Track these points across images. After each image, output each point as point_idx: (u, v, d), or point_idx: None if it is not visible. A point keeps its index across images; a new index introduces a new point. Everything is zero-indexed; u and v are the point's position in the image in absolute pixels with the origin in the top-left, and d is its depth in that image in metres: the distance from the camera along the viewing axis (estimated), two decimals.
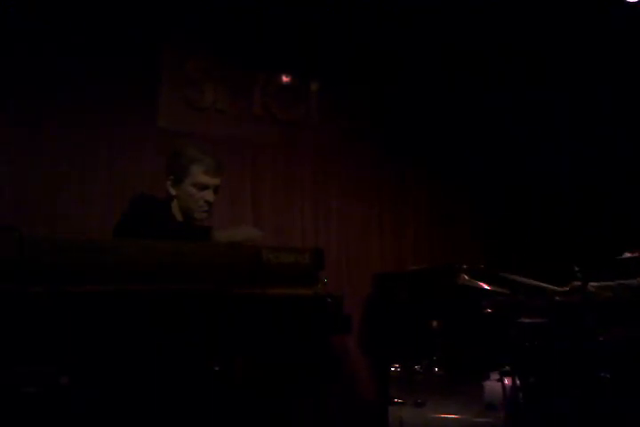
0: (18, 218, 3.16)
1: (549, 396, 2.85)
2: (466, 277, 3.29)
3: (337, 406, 3.77)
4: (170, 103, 3.76)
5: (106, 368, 1.56)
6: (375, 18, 4.20)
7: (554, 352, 2.93)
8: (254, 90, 4.07)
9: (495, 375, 2.96)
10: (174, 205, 2.49)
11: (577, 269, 2.91)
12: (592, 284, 2.88)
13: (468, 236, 4.76)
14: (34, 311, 1.40)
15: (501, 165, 4.72)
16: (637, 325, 2.90)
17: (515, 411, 2.84)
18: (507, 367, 2.94)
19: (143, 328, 1.56)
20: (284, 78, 4.20)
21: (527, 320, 3.00)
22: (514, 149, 4.69)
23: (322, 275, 1.88)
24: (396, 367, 3.15)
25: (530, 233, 4.57)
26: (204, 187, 2.44)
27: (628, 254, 2.98)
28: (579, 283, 2.85)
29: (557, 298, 2.96)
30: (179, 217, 2.49)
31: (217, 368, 1.77)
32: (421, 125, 4.64)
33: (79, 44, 3.46)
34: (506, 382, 2.89)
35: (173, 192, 2.46)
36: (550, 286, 3.04)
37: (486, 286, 3.21)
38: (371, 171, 4.46)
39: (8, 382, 1.42)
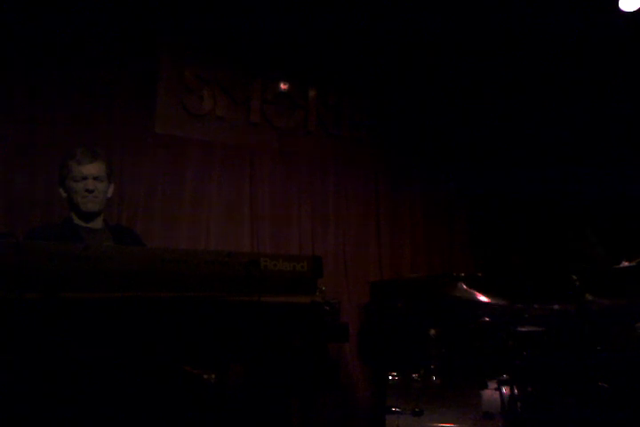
0: (15, 220, 3.15)
1: (547, 405, 2.84)
2: (464, 285, 3.29)
3: (334, 414, 3.75)
4: (167, 109, 3.76)
5: (102, 375, 1.55)
6: (374, 26, 4.21)
7: (552, 361, 2.92)
8: (252, 97, 4.07)
9: (493, 384, 2.95)
10: (70, 207, 2.51)
11: (575, 277, 2.91)
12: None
13: (466, 244, 4.76)
14: (30, 318, 1.39)
15: (499, 174, 4.72)
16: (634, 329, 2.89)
17: (512, 420, 2.83)
18: (504, 376, 2.93)
19: (139, 335, 1.55)
20: (282, 85, 4.21)
21: (525, 329, 2.99)
22: (511, 156, 4.69)
23: (320, 283, 1.88)
24: (393, 376, 3.14)
25: (527, 241, 4.57)
26: (81, 177, 2.44)
27: (625, 263, 2.98)
28: None
29: (555, 307, 2.96)
30: (77, 218, 2.50)
31: (213, 376, 1.76)
32: (418, 133, 4.65)
33: (78, 49, 3.46)
34: (504, 390, 2.88)
35: (65, 194, 2.50)
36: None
37: (484, 298, 3.20)
38: (368, 178, 4.46)
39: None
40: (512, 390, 2.85)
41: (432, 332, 3.25)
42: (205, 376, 1.75)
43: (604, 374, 2.79)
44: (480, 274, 3.47)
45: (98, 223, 2.54)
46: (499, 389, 2.90)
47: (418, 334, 3.36)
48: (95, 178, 2.44)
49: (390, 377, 3.13)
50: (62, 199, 2.53)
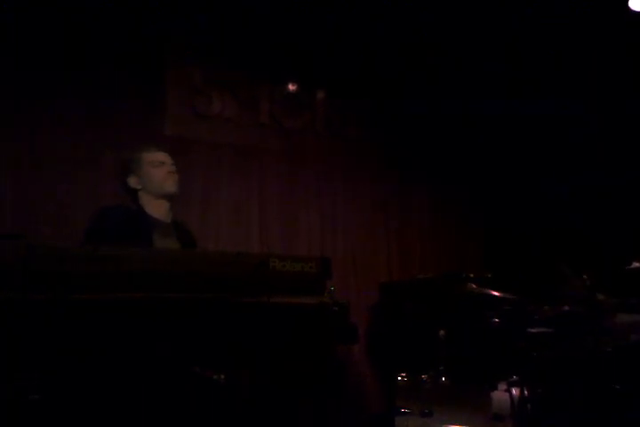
0: (23, 220, 3.16)
1: (557, 406, 2.82)
2: (473, 285, 3.27)
3: (343, 415, 3.74)
4: (177, 111, 3.77)
5: (110, 376, 1.55)
6: (381, 29, 4.20)
7: (562, 363, 2.90)
8: (261, 98, 4.08)
9: (503, 386, 2.93)
10: (142, 197, 2.55)
11: (585, 277, 2.88)
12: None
13: (475, 244, 4.74)
14: (37, 319, 1.40)
15: (506, 174, 4.70)
16: None
17: (522, 422, 2.81)
18: (514, 377, 2.91)
19: (148, 337, 1.55)
20: (291, 87, 4.21)
21: (535, 330, 2.97)
22: (517, 156, 4.67)
23: (328, 283, 1.87)
24: (402, 377, 3.13)
25: (537, 242, 4.54)
26: (160, 163, 2.55)
27: (637, 264, 2.95)
28: None
29: (566, 308, 2.94)
30: (150, 207, 2.54)
31: (223, 377, 1.76)
32: (425, 133, 4.64)
33: (87, 51, 3.48)
34: (513, 392, 2.86)
35: (138, 186, 2.55)
36: None
37: (495, 293, 3.18)
38: (376, 179, 4.46)
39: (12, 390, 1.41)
40: (522, 391, 2.83)
41: (441, 333, 3.23)
42: (215, 377, 1.75)
43: (616, 375, 2.76)
44: (490, 275, 3.45)
45: (168, 217, 2.59)
46: (509, 390, 2.87)
47: (427, 334, 3.34)
48: (172, 164, 2.59)
49: (399, 378, 3.11)
50: (130, 191, 2.58)
